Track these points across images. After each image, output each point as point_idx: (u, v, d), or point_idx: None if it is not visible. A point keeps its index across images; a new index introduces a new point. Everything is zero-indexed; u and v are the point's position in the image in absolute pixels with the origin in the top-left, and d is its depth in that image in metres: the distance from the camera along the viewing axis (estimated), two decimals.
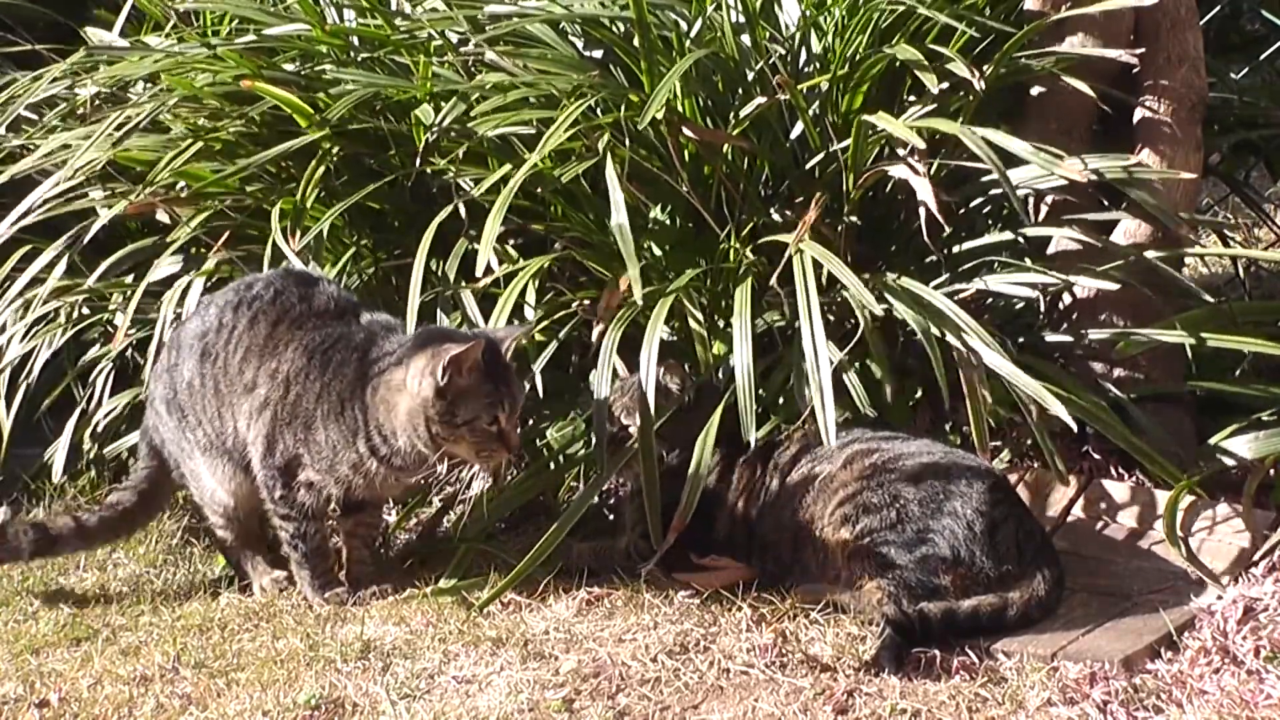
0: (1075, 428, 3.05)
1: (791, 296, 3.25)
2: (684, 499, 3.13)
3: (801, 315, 3.18)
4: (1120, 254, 3.55)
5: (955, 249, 3.71)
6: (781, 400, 3.45)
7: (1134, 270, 3.52)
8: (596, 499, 3.44)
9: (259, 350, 3.32)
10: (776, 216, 3.58)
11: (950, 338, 3.18)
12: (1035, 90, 3.79)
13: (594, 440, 3.40)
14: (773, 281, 3.34)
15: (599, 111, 3.64)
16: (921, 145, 3.26)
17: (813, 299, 3.18)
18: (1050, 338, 3.70)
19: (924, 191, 3.23)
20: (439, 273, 3.66)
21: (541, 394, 3.72)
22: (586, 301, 3.62)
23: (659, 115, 3.38)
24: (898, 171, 3.33)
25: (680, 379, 3.40)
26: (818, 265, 3.24)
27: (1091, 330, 3.64)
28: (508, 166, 3.55)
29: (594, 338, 3.39)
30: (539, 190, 3.75)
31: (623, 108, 3.59)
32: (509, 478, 3.70)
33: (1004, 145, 3.33)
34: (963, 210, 3.82)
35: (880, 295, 3.25)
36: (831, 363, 3.13)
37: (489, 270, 3.38)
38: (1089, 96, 3.57)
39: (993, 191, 3.76)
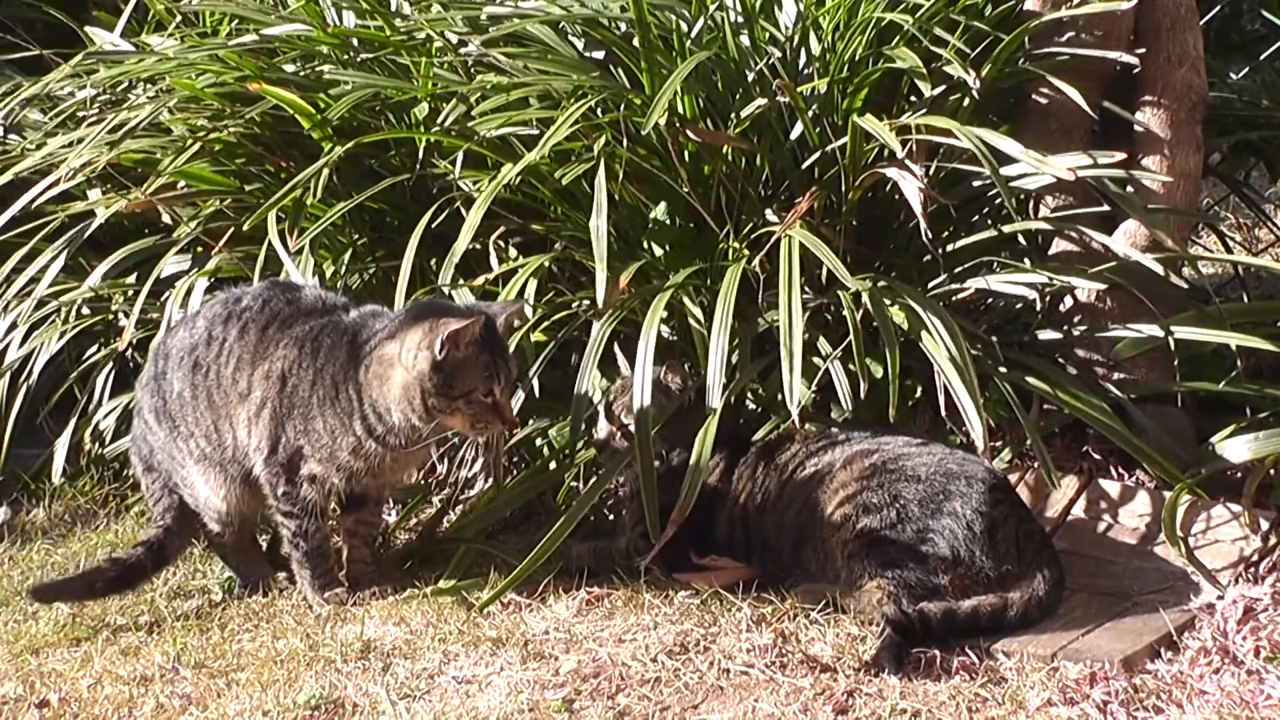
0: (981, 444, 3.06)
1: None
2: (684, 493, 3.13)
3: (781, 289, 3.19)
4: (1118, 255, 3.55)
5: (951, 248, 3.71)
6: (781, 399, 3.44)
7: (1132, 272, 3.52)
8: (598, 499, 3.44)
9: (251, 357, 3.32)
10: (773, 216, 3.59)
11: (926, 340, 3.19)
12: (1036, 91, 3.79)
13: (571, 432, 3.41)
14: (755, 263, 3.36)
15: (599, 112, 3.65)
16: (898, 149, 3.27)
17: (794, 275, 3.20)
18: (1051, 338, 3.70)
19: (911, 193, 3.24)
20: (439, 273, 3.67)
21: (541, 394, 3.72)
22: (586, 301, 3.62)
23: (660, 120, 3.38)
24: (892, 173, 3.34)
25: (681, 377, 3.40)
26: (805, 250, 3.27)
27: (1092, 331, 3.64)
28: (507, 167, 3.55)
29: (593, 334, 3.40)
30: (539, 190, 3.75)
31: (623, 108, 3.59)
32: (508, 478, 3.71)
33: (995, 144, 3.34)
34: (961, 212, 3.83)
35: (874, 295, 3.26)
36: (805, 335, 3.14)
37: (473, 259, 3.38)
38: (1089, 97, 3.57)
39: (991, 193, 3.77)
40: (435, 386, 3.12)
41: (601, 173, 3.40)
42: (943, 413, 3.26)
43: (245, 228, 3.78)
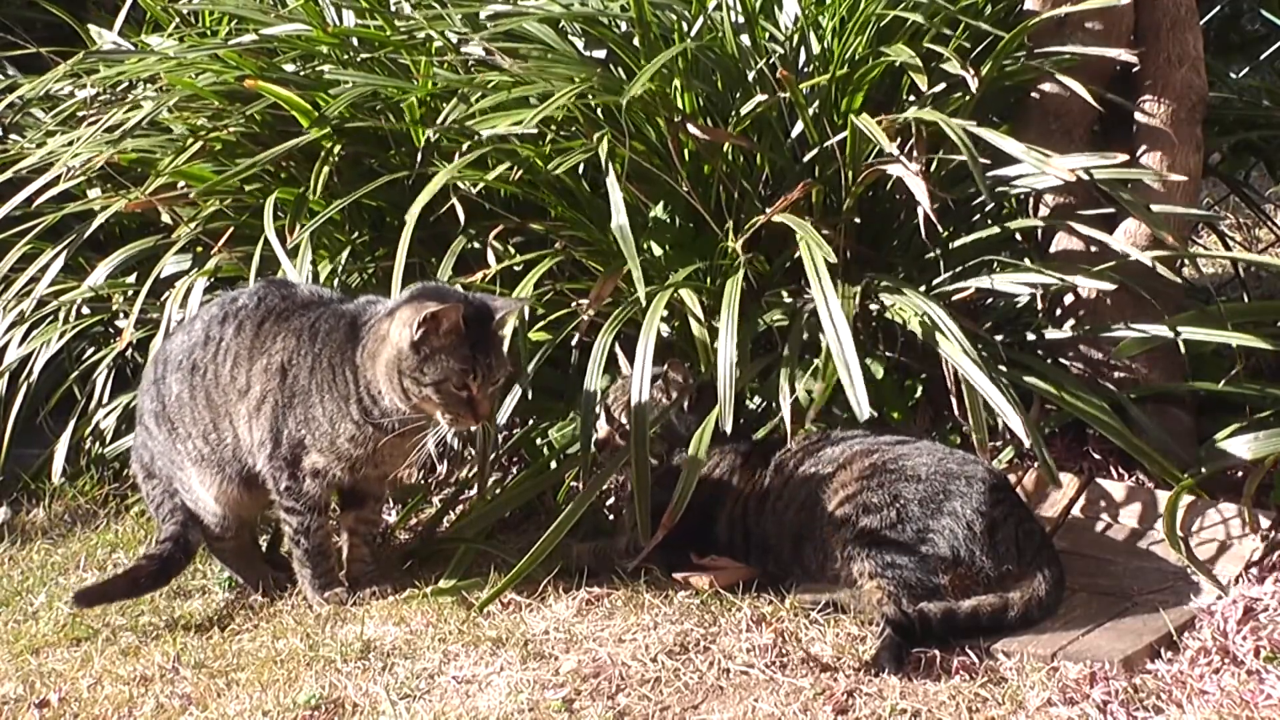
0: (1026, 441, 3.05)
1: (796, 294, 3.25)
2: (676, 496, 3.13)
3: (816, 296, 3.17)
4: (1119, 254, 3.55)
5: (951, 246, 3.71)
6: (792, 403, 3.44)
7: (1132, 271, 3.52)
8: (595, 498, 3.44)
9: (248, 353, 3.32)
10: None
11: (922, 336, 3.19)
12: (1036, 90, 3.79)
13: (580, 437, 3.41)
14: (737, 244, 3.35)
15: (599, 112, 3.64)
16: (889, 146, 3.26)
17: (824, 281, 3.16)
18: (1051, 337, 3.70)
19: (919, 190, 3.23)
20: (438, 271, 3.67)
21: (541, 394, 3.72)
22: (585, 301, 3.62)
23: (661, 118, 3.38)
24: (895, 170, 3.33)
25: (683, 376, 3.40)
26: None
27: (1092, 330, 3.64)
28: (507, 166, 3.55)
29: (584, 327, 3.39)
30: (540, 190, 3.74)
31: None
32: (508, 478, 3.70)
33: (996, 144, 3.33)
34: (963, 210, 3.83)
35: (874, 294, 3.26)
36: (805, 336, 3.14)
37: (473, 258, 3.37)
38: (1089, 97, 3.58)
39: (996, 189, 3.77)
40: (410, 368, 3.11)
41: (613, 174, 3.39)
42: (954, 410, 3.26)
43: (210, 207, 3.76)
